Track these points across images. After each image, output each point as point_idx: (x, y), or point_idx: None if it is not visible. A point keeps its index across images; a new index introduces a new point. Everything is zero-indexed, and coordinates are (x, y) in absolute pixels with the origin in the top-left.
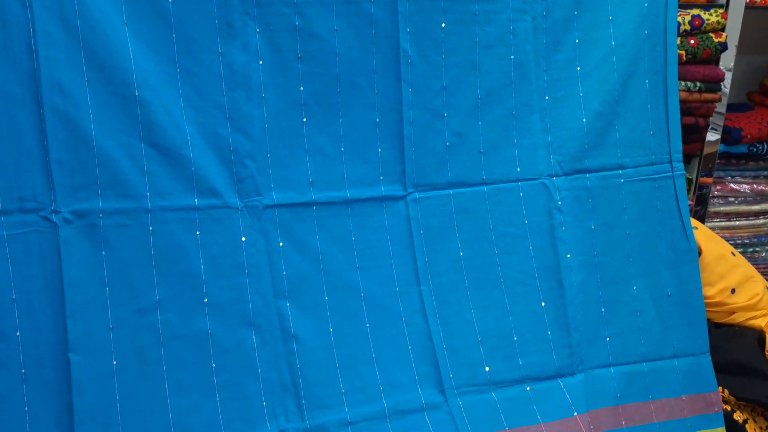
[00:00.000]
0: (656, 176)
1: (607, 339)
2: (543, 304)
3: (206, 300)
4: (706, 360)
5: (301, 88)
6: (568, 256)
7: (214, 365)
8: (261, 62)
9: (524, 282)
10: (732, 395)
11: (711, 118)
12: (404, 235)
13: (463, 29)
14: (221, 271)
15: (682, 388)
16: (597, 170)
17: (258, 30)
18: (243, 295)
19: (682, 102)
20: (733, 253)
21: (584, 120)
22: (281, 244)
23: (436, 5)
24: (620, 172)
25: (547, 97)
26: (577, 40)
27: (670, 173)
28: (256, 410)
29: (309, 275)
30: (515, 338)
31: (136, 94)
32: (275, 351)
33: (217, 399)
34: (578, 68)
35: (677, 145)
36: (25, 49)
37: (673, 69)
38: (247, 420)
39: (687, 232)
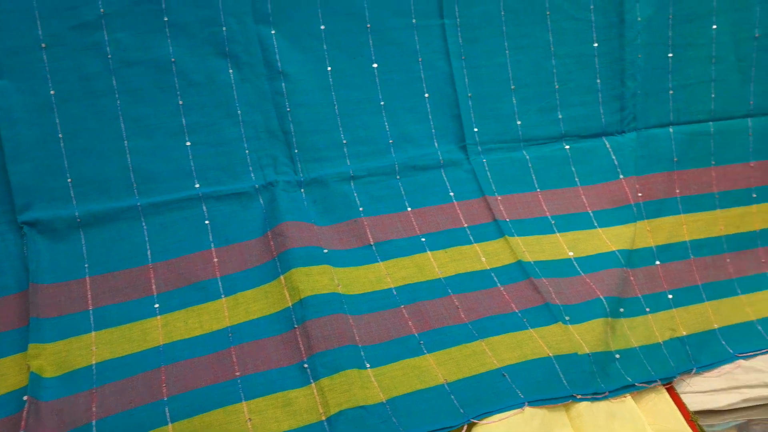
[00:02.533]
0: None
1: (671, 92)
2: (596, 44)
3: (166, 18)
4: None
5: None
6: None
7: (181, 102)
8: None
9: (575, 16)
10: None
11: None
12: None
13: None
14: None
15: (752, 153)
16: None
17: None
18: (214, 14)
19: None
20: None
21: None
22: None
23: None
24: None
25: None
26: None
27: None
28: (236, 158)
29: None
30: (556, 86)
31: None
32: (259, 89)
33: (187, 143)
34: None
35: None
36: None
37: None
38: (226, 169)
39: None
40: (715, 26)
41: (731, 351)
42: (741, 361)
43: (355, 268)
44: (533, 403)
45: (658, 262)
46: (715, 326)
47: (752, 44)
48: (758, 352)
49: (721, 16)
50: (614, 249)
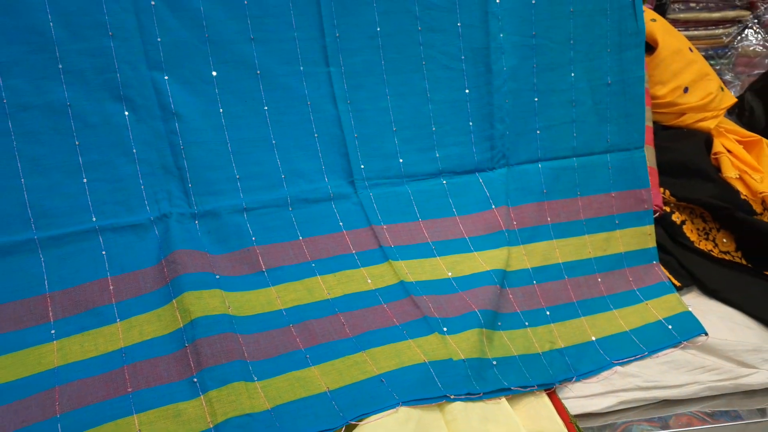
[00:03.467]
0: None
1: (537, 132)
2: (467, 91)
3: (61, 66)
4: (640, 155)
5: None
6: (501, 35)
7: (77, 142)
8: None
9: (448, 65)
10: (673, 196)
11: None
12: (310, 2)
13: None
14: (77, 31)
15: (613, 185)
16: None
17: None
18: (108, 62)
19: None
20: (690, 48)
21: None
22: (153, 2)
23: None
24: None
25: None
26: None
27: None
28: (132, 193)
29: (190, 44)
30: (433, 128)
31: None
32: (153, 129)
33: (84, 180)
34: None
35: None
36: None
37: None
38: (122, 203)
39: (636, 11)
40: (573, 74)
41: (608, 359)
42: (617, 368)
43: (246, 293)
44: (407, 403)
45: (534, 282)
46: (593, 338)
47: (605, 90)
48: (632, 359)
49: (578, 65)
50: (488, 269)
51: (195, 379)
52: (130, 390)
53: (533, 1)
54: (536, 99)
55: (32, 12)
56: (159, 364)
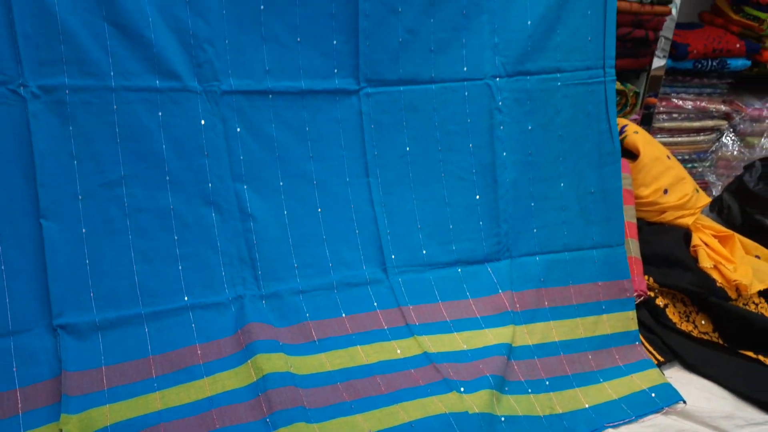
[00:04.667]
0: (590, 81)
1: (535, 230)
2: (477, 197)
3: (168, 178)
4: (621, 251)
5: None
6: (504, 154)
7: (176, 238)
8: None
9: (462, 177)
10: (656, 283)
11: (661, 43)
12: (356, 128)
13: None
14: (182, 152)
15: (599, 275)
16: (537, 72)
17: None
18: (203, 175)
19: (634, 14)
20: (668, 156)
21: (529, 23)
22: (238, 129)
23: None
24: (558, 75)
25: None
26: None
27: (603, 78)
28: (216, 279)
29: (265, 161)
30: (450, 227)
31: None
32: (234, 228)
33: (180, 267)
34: None
35: (611, 52)
36: None
37: None
38: (208, 286)
39: (612, 135)
40: (562, 185)
41: (601, 423)
42: (610, 430)
43: (303, 357)
44: None
45: (535, 357)
46: (586, 405)
47: (590, 198)
48: (621, 422)
49: (566, 178)
50: (497, 342)
51: (267, 420)
52: (218, 426)
53: (529, 128)
54: (533, 204)
55: (151, 139)
56: (239, 409)
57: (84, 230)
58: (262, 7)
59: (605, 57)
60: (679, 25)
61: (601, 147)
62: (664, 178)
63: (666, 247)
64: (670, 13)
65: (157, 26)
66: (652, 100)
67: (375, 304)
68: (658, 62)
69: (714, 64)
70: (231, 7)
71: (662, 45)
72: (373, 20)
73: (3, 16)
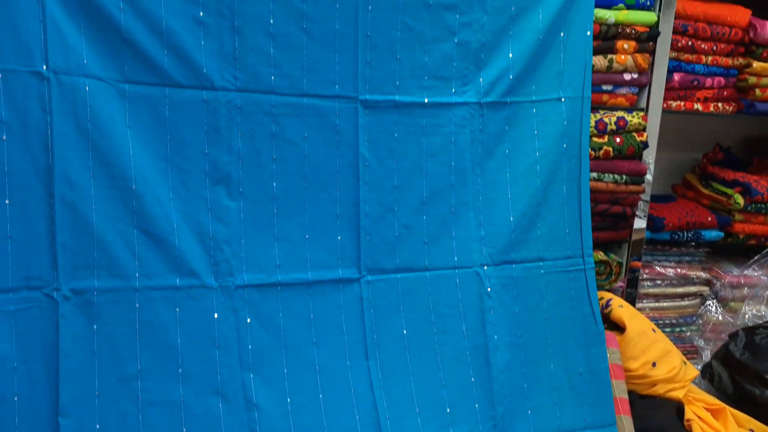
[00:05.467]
0: (570, 269)
1: (529, 412)
2: (472, 379)
3: (180, 371)
4: (613, 431)
5: (274, 185)
6: (495, 336)
7: (184, 430)
8: (241, 162)
9: (457, 359)
10: None
11: (638, 208)
12: (356, 313)
13: (413, 139)
14: (195, 344)
15: None
16: (521, 261)
17: (240, 135)
18: (213, 367)
19: (611, 193)
20: (653, 329)
21: (511, 218)
22: (249, 320)
23: (390, 119)
24: (541, 264)
25: (480, 198)
26: (507, 151)
27: (582, 267)
28: None
29: (272, 349)
30: (448, 410)
31: (133, 187)
32: (239, 419)
33: None
34: (507, 174)
35: (588, 242)
36: (43, 148)
37: (586, 177)
38: None
39: (596, 318)
40: (552, 365)
41: None
42: None
43: None
44: None
45: None
46: None
47: (579, 378)
48: None
49: (555, 358)
50: None
51: None
52: None
53: (517, 311)
54: (525, 385)
55: (167, 334)
56: None
57: (98, 426)
58: (275, 210)
59: (583, 247)
60: (654, 198)
61: (586, 329)
62: (652, 351)
63: (660, 422)
64: (643, 191)
65: (181, 231)
66: (636, 264)
67: None
68: (639, 223)
69: (689, 235)
70: (248, 211)
71: (642, 207)
72: (373, 219)
73: (47, 229)
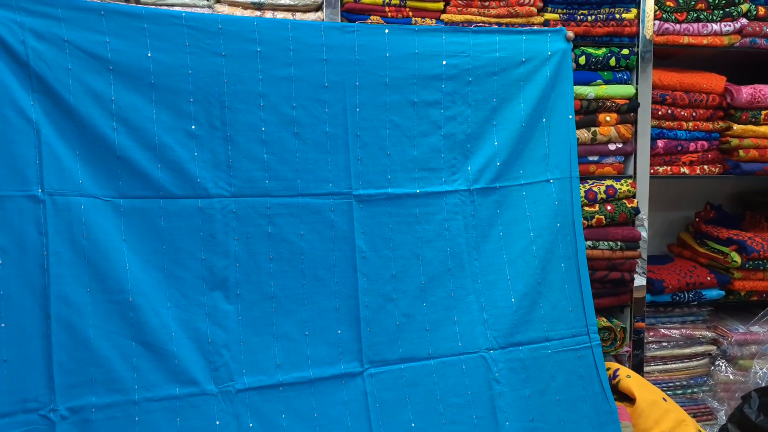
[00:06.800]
0: (577, 347)
1: None
2: None
3: None
4: None
5: (272, 283)
6: (507, 423)
7: None
8: (238, 264)
9: None
10: None
11: (637, 265)
12: (361, 408)
13: (407, 228)
14: None
15: None
16: (528, 343)
17: (236, 238)
18: None
19: (607, 260)
20: (664, 398)
21: (513, 299)
22: (251, 425)
23: (384, 210)
24: (547, 344)
25: (479, 281)
26: (501, 233)
27: (589, 344)
28: None
29: None
30: None
31: (130, 299)
32: None
33: None
34: (504, 256)
35: (592, 319)
36: (39, 269)
37: (582, 255)
38: None
39: (607, 396)
40: None
41: None
42: None
43: None
44: None
45: None
46: None
47: None
48: None
49: None
50: None
51: None
52: None
53: (527, 394)
54: None
55: None
56: None
57: None
58: (273, 309)
59: (588, 324)
60: (651, 259)
61: (599, 408)
62: (665, 422)
63: None
64: (639, 256)
65: (179, 339)
66: (641, 324)
67: None
68: (640, 281)
69: (691, 295)
70: (246, 312)
71: (640, 264)
72: (372, 309)
73: (43, 349)
